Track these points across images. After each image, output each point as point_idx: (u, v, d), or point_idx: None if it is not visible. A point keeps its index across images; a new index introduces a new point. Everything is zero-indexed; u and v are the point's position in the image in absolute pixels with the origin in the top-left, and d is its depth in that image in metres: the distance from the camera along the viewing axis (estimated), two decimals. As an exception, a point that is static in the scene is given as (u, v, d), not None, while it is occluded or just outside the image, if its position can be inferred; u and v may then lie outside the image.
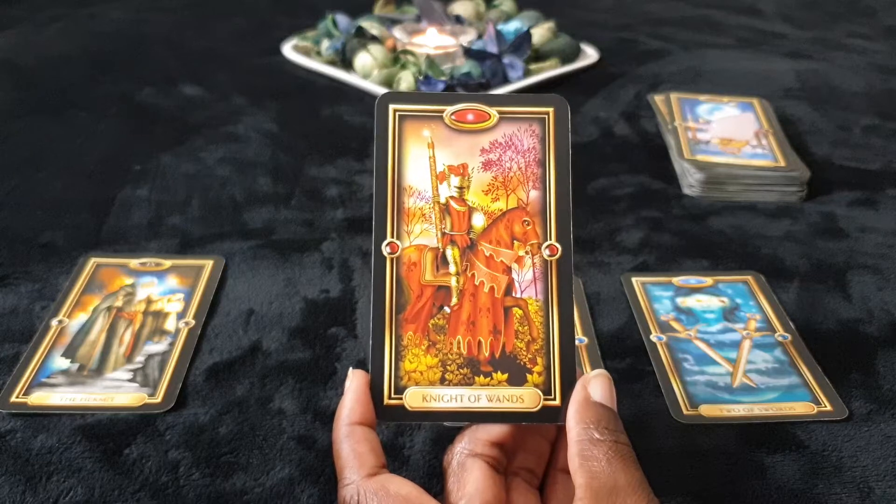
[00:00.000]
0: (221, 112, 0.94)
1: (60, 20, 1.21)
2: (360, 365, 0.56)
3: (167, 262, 0.66)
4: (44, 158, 0.83)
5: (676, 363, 0.58)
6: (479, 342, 0.43)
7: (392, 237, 0.43)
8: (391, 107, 0.44)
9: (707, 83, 1.02)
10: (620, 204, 0.78)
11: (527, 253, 0.43)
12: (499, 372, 0.42)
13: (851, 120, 0.95)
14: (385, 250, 0.43)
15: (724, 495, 0.48)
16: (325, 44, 1.05)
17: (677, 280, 0.66)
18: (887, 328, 0.62)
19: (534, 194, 0.44)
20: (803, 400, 0.54)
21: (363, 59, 0.99)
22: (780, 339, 0.60)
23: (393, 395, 0.42)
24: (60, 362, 0.56)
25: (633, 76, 1.06)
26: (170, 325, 0.60)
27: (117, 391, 0.54)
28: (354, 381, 0.42)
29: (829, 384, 0.56)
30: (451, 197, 0.44)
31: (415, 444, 0.50)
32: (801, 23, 1.30)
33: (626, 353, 0.59)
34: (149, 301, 0.62)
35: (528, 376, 0.42)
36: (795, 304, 0.64)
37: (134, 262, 0.66)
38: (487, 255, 0.43)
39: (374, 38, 1.03)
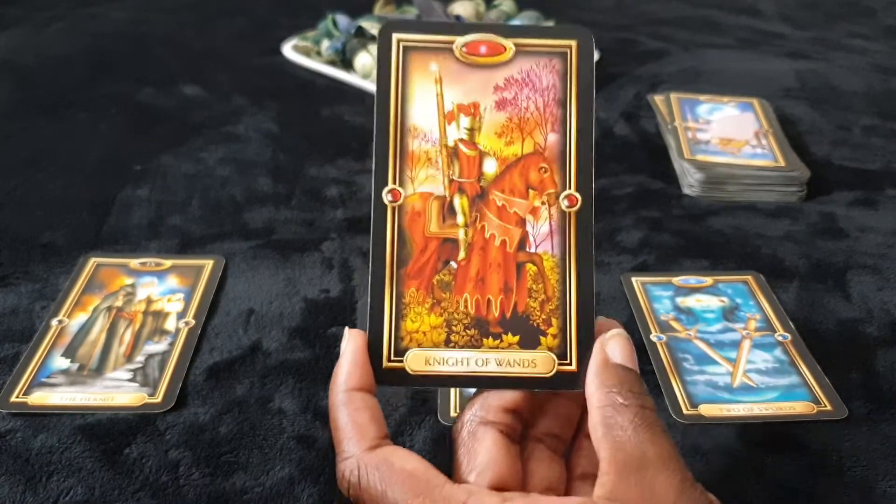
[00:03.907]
0: (221, 112, 0.94)
1: (60, 20, 1.21)
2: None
3: (167, 262, 0.66)
4: (44, 158, 0.83)
5: (676, 363, 0.58)
6: (489, 301, 0.39)
7: (394, 184, 0.39)
8: (395, 37, 0.40)
9: (707, 83, 1.02)
10: (620, 204, 0.78)
11: (543, 203, 0.39)
12: (510, 334, 0.39)
13: (851, 120, 0.95)
14: (386, 198, 0.39)
15: (724, 495, 0.48)
16: (325, 44, 1.05)
17: (677, 280, 0.66)
18: (887, 328, 0.62)
19: (552, 138, 0.39)
20: (803, 400, 0.54)
21: (363, 59, 0.99)
22: (779, 338, 0.60)
23: (393, 358, 0.38)
24: (60, 362, 0.56)
25: (633, 76, 1.06)
26: (170, 324, 0.60)
27: (117, 391, 0.54)
28: (352, 343, 0.38)
29: (828, 384, 0.56)
30: (461, 140, 0.39)
31: (415, 444, 0.50)
32: (801, 23, 1.30)
33: (626, 352, 0.59)
34: (149, 301, 0.62)
35: (542, 339, 0.39)
36: (795, 304, 0.64)
37: (134, 262, 0.66)
38: (499, 205, 0.39)
39: (374, 39, 1.03)
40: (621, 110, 0.97)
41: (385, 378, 0.38)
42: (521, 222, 0.39)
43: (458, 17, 1.09)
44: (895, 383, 0.56)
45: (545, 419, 0.40)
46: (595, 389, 0.37)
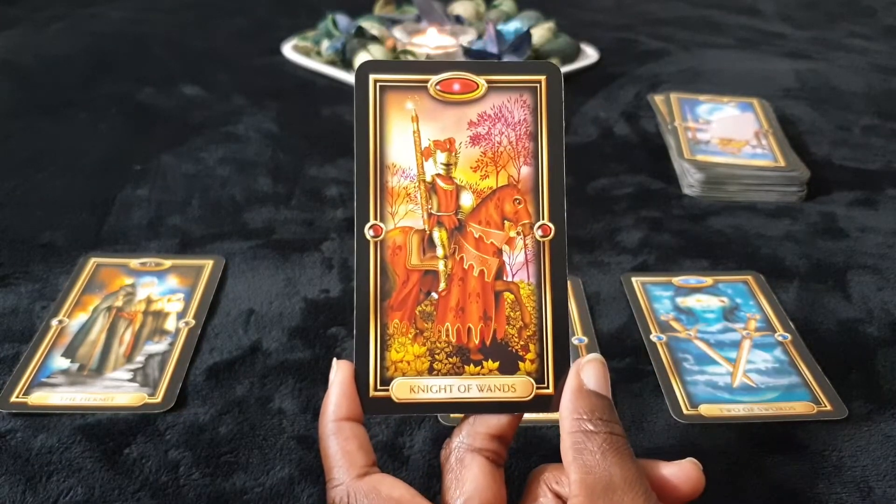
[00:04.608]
0: (221, 112, 0.94)
1: (60, 20, 1.21)
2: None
3: (167, 262, 0.66)
4: (44, 158, 0.83)
5: (676, 363, 0.58)
6: (469, 329, 0.40)
7: (375, 219, 0.40)
8: (372, 77, 0.41)
9: (707, 83, 1.02)
10: (620, 204, 0.78)
11: (518, 234, 0.41)
12: (490, 360, 0.40)
13: (851, 120, 0.95)
14: (368, 234, 0.40)
15: (724, 495, 0.48)
16: (325, 44, 1.05)
17: (677, 280, 0.66)
18: (887, 328, 0.62)
19: (525, 170, 0.41)
20: (803, 400, 0.54)
21: (363, 60, 0.99)
22: (779, 338, 0.60)
23: (379, 387, 0.40)
24: (60, 362, 0.56)
25: (633, 76, 1.06)
26: (170, 324, 0.60)
27: (117, 391, 0.54)
28: (340, 374, 0.39)
29: (828, 384, 0.56)
30: (438, 175, 0.41)
31: (415, 444, 0.50)
32: (801, 23, 1.30)
33: (626, 353, 0.59)
34: (149, 301, 0.62)
35: (521, 364, 0.40)
36: (795, 304, 0.64)
37: (134, 262, 0.66)
38: (477, 236, 0.41)
39: (374, 38, 1.03)
40: (621, 110, 0.97)
41: (372, 407, 0.40)
42: (498, 252, 0.41)
43: (458, 17, 1.09)
44: (895, 383, 0.56)
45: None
46: (567, 415, 0.38)
